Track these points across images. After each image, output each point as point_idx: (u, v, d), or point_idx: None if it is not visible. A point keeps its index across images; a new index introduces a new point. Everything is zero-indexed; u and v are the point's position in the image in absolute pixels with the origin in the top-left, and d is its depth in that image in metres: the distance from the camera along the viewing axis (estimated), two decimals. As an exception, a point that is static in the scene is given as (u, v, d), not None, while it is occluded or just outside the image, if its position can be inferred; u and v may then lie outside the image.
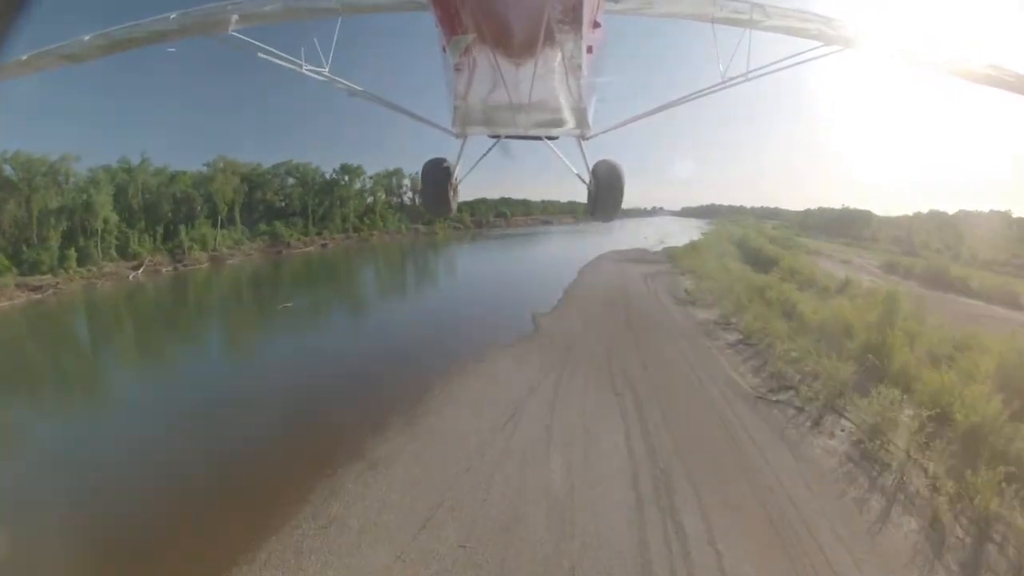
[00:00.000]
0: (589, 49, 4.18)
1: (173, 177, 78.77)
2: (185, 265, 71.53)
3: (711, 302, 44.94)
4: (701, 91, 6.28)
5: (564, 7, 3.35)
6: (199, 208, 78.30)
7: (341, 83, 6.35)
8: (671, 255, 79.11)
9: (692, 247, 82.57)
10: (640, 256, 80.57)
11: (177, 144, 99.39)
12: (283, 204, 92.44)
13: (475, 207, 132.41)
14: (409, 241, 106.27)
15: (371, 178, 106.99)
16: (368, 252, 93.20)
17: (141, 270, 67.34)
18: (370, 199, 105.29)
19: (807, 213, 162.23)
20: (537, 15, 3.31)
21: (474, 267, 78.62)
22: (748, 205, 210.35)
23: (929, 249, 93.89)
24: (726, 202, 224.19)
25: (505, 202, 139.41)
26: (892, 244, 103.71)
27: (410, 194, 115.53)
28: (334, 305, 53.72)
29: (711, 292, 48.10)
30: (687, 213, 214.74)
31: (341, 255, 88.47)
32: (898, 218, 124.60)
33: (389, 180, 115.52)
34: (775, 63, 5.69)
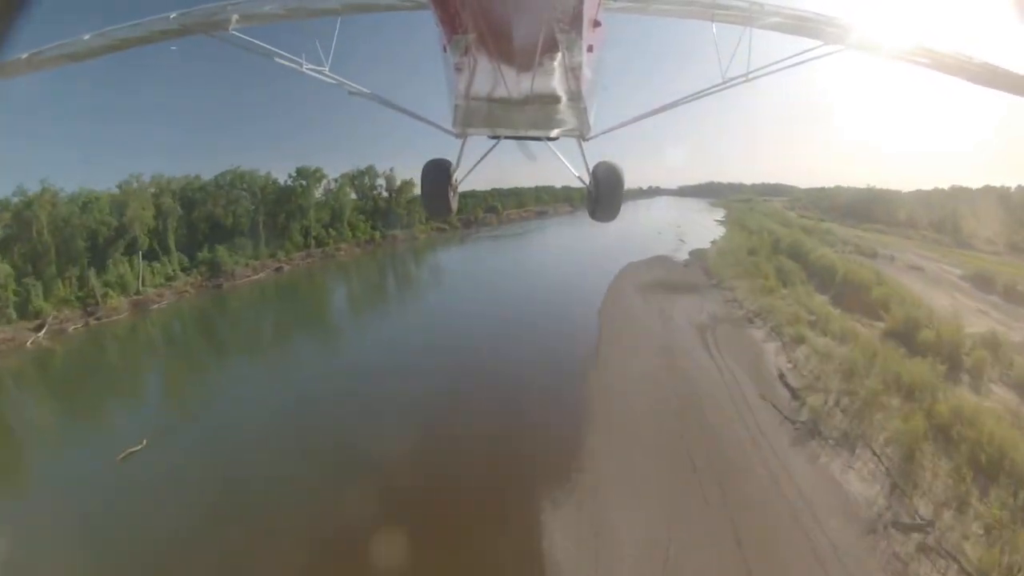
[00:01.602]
0: (590, 48, 4.11)
1: (86, 204, 65.01)
2: (99, 318, 58.68)
3: (842, 421, 25.89)
4: (701, 91, 6.19)
5: (565, 6, 3.35)
6: (120, 241, 64.83)
7: (341, 82, 6.21)
8: (708, 269, 63.04)
9: (732, 256, 65.90)
10: (669, 274, 62.45)
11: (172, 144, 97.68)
12: (231, 222, 78.71)
13: (463, 202, 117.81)
14: (385, 252, 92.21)
15: (336, 180, 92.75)
16: (327, 275, 79.13)
17: (43, 332, 54.89)
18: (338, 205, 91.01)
19: (821, 192, 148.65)
20: (538, 14, 3.36)
21: (447, 304, 59.35)
22: (748, 182, 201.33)
23: (979, 238, 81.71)
24: (724, 179, 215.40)
25: (495, 193, 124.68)
26: (932, 230, 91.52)
27: (386, 194, 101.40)
28: (211, 435, 30.67)
29: (828, 384, 29.34)
30: (685, 192, 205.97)
31: (297, 281, 74.52)
32: (911, 193, 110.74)
33: (361, 180, 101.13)
34: (775, 63, 5.56)
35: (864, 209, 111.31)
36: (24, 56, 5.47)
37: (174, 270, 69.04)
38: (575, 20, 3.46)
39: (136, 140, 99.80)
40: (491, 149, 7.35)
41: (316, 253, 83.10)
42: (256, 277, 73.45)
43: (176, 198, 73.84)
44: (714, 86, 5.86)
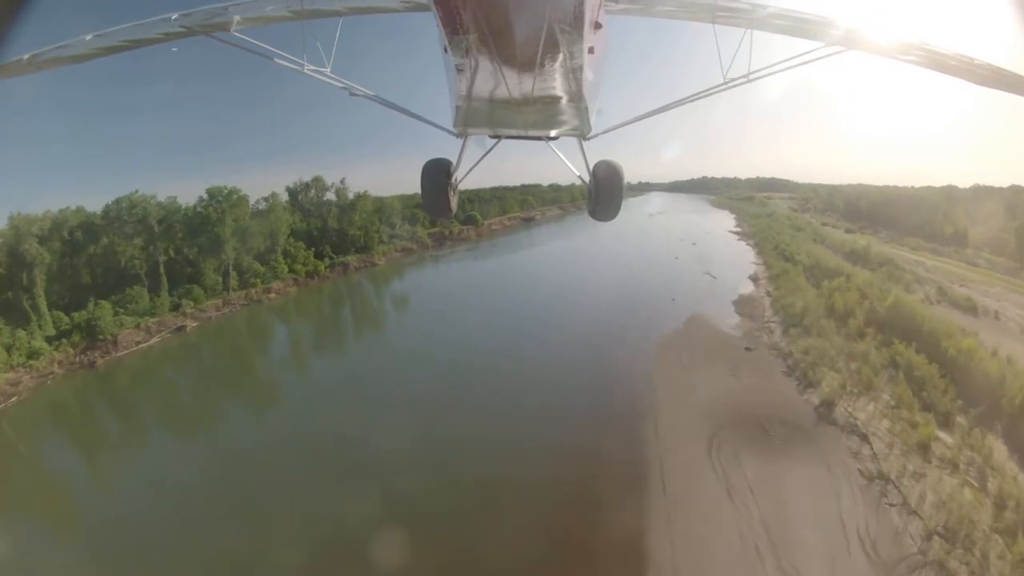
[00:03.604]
0: (591, 50, 4.20)
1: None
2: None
3: None
4: (703, 92, 6.15)
5: (566, 7, 3.42)
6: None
7: (343, 83, 6.22)
8: (787, 355, 42.03)
9: (814, 331, 45.00)
10: (736, 376, 39.13)
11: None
12: (126, 266, 62.16)
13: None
14: (331, 290, 75.40)
15: (266, 199, 75.15)
16: (245, 332, 62.30)
17: None
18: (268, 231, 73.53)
19: (834, 191, 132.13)
20: (539, 15, 3.42)
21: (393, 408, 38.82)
22: (743, 177, 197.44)
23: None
24: (717, 174, 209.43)
25: (474, 197, 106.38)
26: (990, 251, 75.70)
27: (337, 211, 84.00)
28: None
29: None
30: (678, 188, 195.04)
31: (199, 348, 58.23)
32: (903, 190, 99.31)
33: (306, 194, 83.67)
34: (776, 64, 5.57)
35: (896, 215, 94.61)
36: (25, 57, 5.39)
37: (38, 345, 52.94)
38: (576, 22, 3.58)
39: (135, 140, 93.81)
40: (491, 148, 7.41)
41: (238, 298, 66.41)
42: (148, 343, 57.07)
43: (46, 241, 57.39)
44: (716, 86, 5.80)
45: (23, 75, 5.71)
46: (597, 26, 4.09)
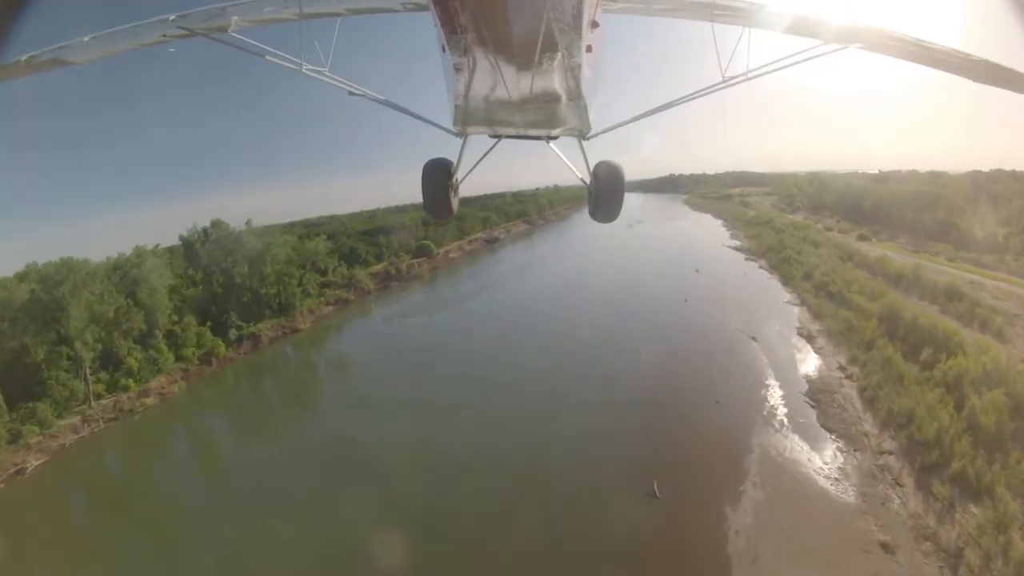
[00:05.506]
0: (589, 48, 4.19)
1: None
2: None
3: None
4: (701, 90, 6.20)
5: (564, 6, 3.42)
6: None
7: (342, 83, 6.19)
8: None
9: (970, 467, 29.43)
10: None
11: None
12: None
13: (385, 243, 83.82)
14: (234, 380, 58.66)
15: (133, 264, 58.02)
16: (95, 482, 43.61)
17: None
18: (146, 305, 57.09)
19: (817, 182, 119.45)
20: (537, 14, 3.42)
21: None
22: (710, 172, 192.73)
23: None
24: (685, 170, 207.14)
25: (428, 220, 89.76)
26: None
27: (245, 263, 67.30)
28: None
29: None
30: (646, 187, 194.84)
31: (32, 515, 38.52)
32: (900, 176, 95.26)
33: (204, 244, 66.88)
34: (775, 62, 5.59)
35: (906, 215, 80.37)
36: (23, 59, 5.34)
37: None
38: (574, 21, 3.59)
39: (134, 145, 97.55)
40: (491, 148, 7.35)
41: (103, 410, 50.68)
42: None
43: None
44: (714, 85, 5.82)
45: (21, 78, 5.60)
46: (595, 25, 4.04)
